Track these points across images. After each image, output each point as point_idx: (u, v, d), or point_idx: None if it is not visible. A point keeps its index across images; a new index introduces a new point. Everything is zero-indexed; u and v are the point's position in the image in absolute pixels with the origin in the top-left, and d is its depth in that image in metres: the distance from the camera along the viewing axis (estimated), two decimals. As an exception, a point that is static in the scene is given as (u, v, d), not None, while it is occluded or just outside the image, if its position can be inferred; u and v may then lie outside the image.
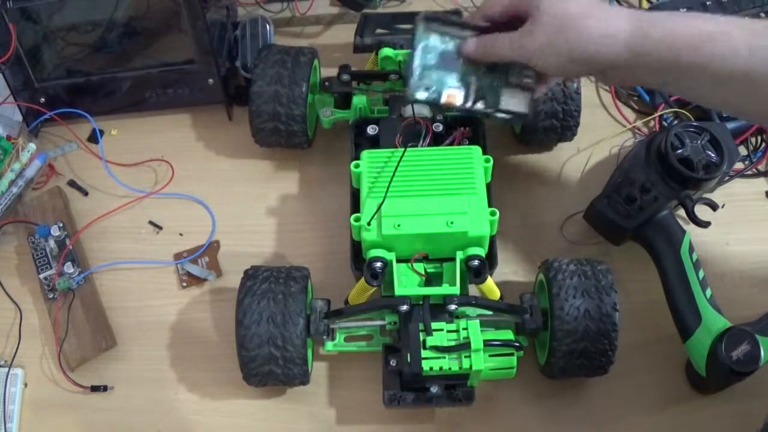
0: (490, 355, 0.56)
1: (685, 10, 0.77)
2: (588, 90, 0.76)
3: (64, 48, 0.72)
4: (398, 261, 0.58)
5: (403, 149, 0.60)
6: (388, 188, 0.58)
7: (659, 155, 0.65)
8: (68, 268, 0.66)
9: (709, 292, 0.60)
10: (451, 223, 0.57)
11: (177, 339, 0.66)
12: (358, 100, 0.68)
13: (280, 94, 0.67)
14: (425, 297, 0.57)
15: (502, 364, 0.56)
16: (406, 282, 0.58)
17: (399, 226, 0.57)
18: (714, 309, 0.59)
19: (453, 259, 0.58)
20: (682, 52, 0.51)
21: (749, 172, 0.73)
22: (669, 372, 0.63)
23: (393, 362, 0.57)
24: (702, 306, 0.59)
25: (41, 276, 0.67)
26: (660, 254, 0.63)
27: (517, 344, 0.56)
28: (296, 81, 0.68)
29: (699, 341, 0.58)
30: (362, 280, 0.58)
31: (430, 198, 0.58)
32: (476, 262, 0.57)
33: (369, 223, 0.57)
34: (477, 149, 0.61)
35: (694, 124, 0.67)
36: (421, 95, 0.57)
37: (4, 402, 0.62)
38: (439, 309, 0.57)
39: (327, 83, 0.70)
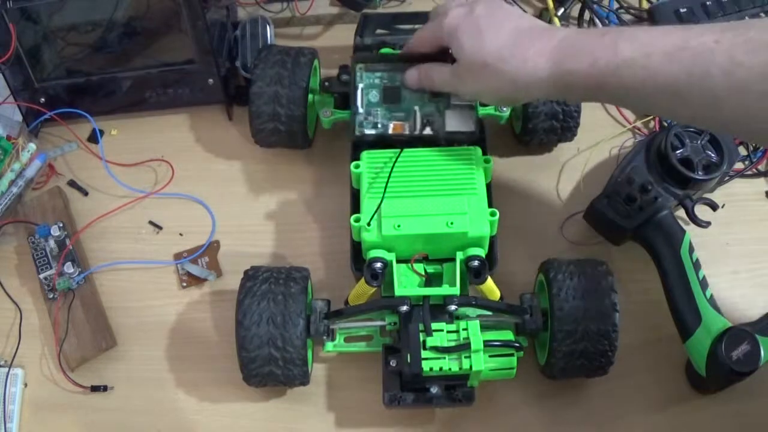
0: (490, 356, 0.56)
1: (685, 10, 0.77)
2: (588, 90, 0.76)
3: (64, 48, 0.72)
4: (398, 261, 0.58)
5: (400, 149, 0.60)
6: (386, 188, 0.58)
7: (659, 155, 0.65)
8: (68, 268, 0.66)
9: (709, 292, 0.60)
10: (451, 223, 0.57)
11: (177, 339, 0.66)
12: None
13: (280, 95, 0.67)
14: (425, 297, 0.57)
15: (502, 365, 0.56)
16: (406, 282, 0.58)
17: (399, 226, 0.57)
18: (714, 309, 0.59)
19: (453, 260, 0.58)
20: (607, 87, 0.50)
21: (749, 172, 0.73)
22: (669, 372, 0.63)
23: (393, 363, 0.57)
24: (702, 306, 0.59)
25: (41, 276, 0.67)
26: (660, 254, 0.63)
27: (517, 345, 0.56)
28: (296, 81, 0.68)
29: (699, 341, 0.58)
30: (362, 280, 0.58)
31: (430, 198, 0.58)
32: (476, 263, 0.57)
33: (369, 224, 0.57)
34: (477, 149, 0.61)
35: (694, 124, 0.67)
36: (369, 132, 0.62)
37: (4, 402, 0.62)
38: (439, 309, 0.57)
39: (327, 83, 0.70)
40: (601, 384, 0.62)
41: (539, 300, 0.60)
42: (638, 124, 0.75)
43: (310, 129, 0.72)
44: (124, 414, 0.63)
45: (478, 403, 0.58)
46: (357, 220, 0.58)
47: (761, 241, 0.69)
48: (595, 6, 0.80)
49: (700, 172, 0.64)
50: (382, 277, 0.57)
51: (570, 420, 0.62)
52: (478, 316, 0.59)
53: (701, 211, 0.67)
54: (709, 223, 0.66)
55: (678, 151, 0.65)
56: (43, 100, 0.73)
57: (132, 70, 0.73)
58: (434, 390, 0.57)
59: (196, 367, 0.64)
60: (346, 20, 0.82)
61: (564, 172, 0.73)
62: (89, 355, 0.64)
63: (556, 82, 0.52)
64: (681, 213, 0.66)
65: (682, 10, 0.77)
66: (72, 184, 0.73)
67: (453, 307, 0.56)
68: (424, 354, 0.55)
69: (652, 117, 0.74)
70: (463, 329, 0.56)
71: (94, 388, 0.63)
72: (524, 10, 0.79)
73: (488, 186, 0.61)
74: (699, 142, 0.66)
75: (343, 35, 0.79)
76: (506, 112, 0.69)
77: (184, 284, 0.68)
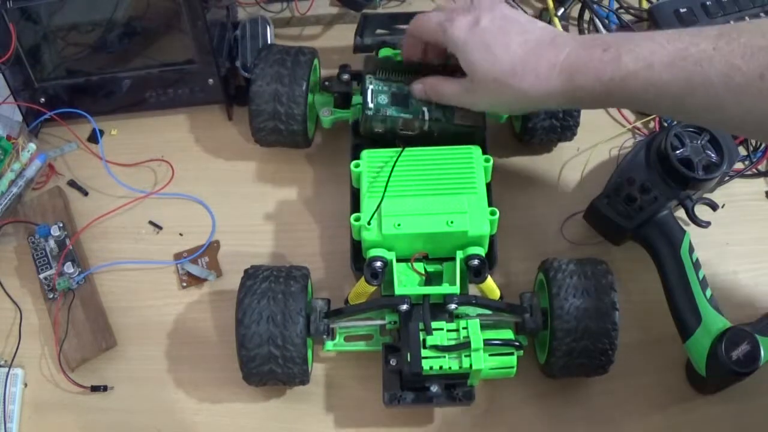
0: (490, 355, 0.56)
1: (685, 10, 0.77)
2: (588, 90, 0.76)
3: (64, 48, 0.72)
4: (398, 260, 0.58)
5: (401, 148, 0.60)
6: (386, 187, 0.58)
7: (659, 155, 0.65)
8: (68, 268, 0.66)
9: (709, 292, 0.60)
10: (451, 222, 0.57)
11: (177, 339, 0.66)
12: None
13: (280, 94, 0.67)
14: (425, 296, 0.57)
15: (502, 364, 0.56)
16: (406, 281, 0.58)
17: (399, 225, 0.57)
18: (714, 309, 0.59)
19: (453, 259, 0.58)
20: (614, 97, 0.52)
21: (749, 172, 0.73)
22: (669, 372, 0.63)
23: (393, 362, 0.57)
24: (702, 306, 0.59)
25: (41, 276, 0.67)
26: (660, 254, 0.63)
27: (517, 343, 0.56)
28: (296, 80, 0.68)
29: (699, 341, 0.58)
30: (362, 279, 0.58)
31: (430, 197, 0.58)
32: (476, 262, 0.57)
33: (369, 223, 0.57)
34: (477, 149, 0.61)
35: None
36: (379, 128, 0.63)
37: (4, 402, 0.62)
38: (439, 308, 0.57)
39: (327, 83, 0.70)
40: (601, 383, 0.62)
41: (539, 299, 0.60)
42: (638, 124, 0.75)
43: (310, 128, 0.72)
44: (124, 414, 0.63)
45: (478, 403, 0.58)
46: (357, 219, 0.58)
47: (761, 241, 0.69)
48: (595, 6, 0.80)
49: (700, 172, 0.64)
50: (382, 276, 0.57)
51: (570, 419, 0.62)
52: (478, 315, 0.59)
53: (701, 211, 0.67)
54: (709, 223, 0.66)
55: (678, 151, 0.65)
56: (43, 100, 0.73)
57: (132, 70, 0.73)
58: (434, 389, 0.57)
59: (196, 367, 0.64)
60: (346, 20, 0.82)
61: (564, 172, 0.73)
62: (89, 355, 0.64)
63: (567, 95, 0.54)
64: (681, 213, 0.66)
65: (682, 10, 0.77)
66: (72, 184, 0.73)
67: (453, 306, 0.56)
68: (424, 353, 0.55)
69: (652, 117, 0.74)
70: (463, 328, 0.56)
71: (94, 388, 0.63)
72: (524, 11, 0.79)
73: (488, 185, 0.61)
74: (699, 142, 0.66)
75: (343, 35, 0.80)
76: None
77: (184, 284, 0.68)
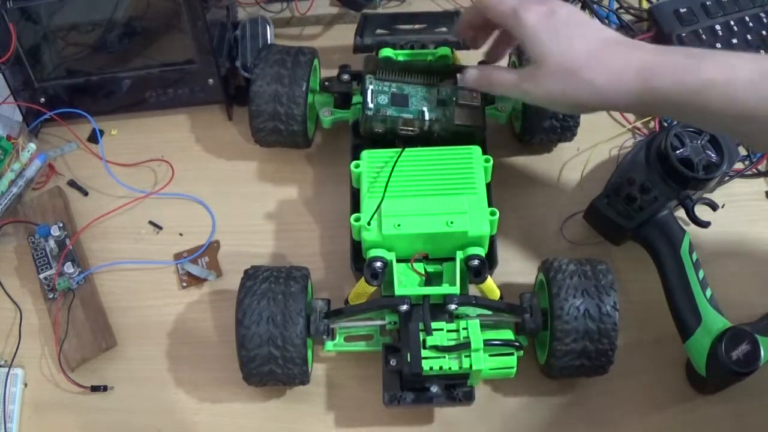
0: (490, 355, 0.56)
1: (685, 10, 0.77)
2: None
3: (64, 48, 0.72)
4: (398, 261, 0.58)
5: (401, 148, 0.60)
6: (386, 187, 0.58)
7: (659, 155, 0.65)
8: (68, 268, 0.66)
9: (709, 292, 0.60)
10: (451, 222, 0.57)
11: (177, 339, 0.66)
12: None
13: (280, 94, 0.67)
14: (425, 297, 0.57)
15: (502, 364, 0.56)
16: (406, 282, 0.58)
17: (399, 225, 0.57)
18: (714, 309, 0.59)
19: (453, 259, 0.58)
20: (689, 107, 0.50)
21: (749, 172, 0.73)
22: (669, 372, 0.63)
23: (393, 362, 0.57)
24: (702, 306, 0.59)
25: (41, 276, 0.67)
26: (660, 254, 0.63)
27: (517, 344, 0.56)
28: (296, 80, 0.68)
29: (699, 341, 0.58)
30: (362, 280, 0.58)
31: (430, 198, 0.58)
32: (476, 262, 0.57)
33: (369, 223, 0.57)
34: (477, 149, 0.61)
35: (694, 123, 0.67)
36: (379, 128, 0.63)
37: (4, 402, 0.62)
38: (439, 309, 0.57)
39: (327, 83, 0.70)
40: (601, 383, 0.62)
41: (539, 299, 0.60)
42: (638, 124, 0.75)
43: (310, 129, 0.72)
44: (124, 414, 0.63)
45: (478, 403, 0.58)
46: (357, 220, 0.58)
47: (761, 242, 0.69)
48: (595, 6, 0.80)
49: (700, 172, 0.64)
50: (382, 276, 0.57)
51: (570, 420, 0.62)
52: (478, 316, 0.59)
53: (701, 211, 0.67)
54: (709, 223, 0.66)
55: (678, 151, 0.65)
56: (43, 100, 0.73)
57: (132, 70, 0.73)
58: (434, 389, 0.57)
59: (196, 367, 0.64)
60: (346, 20, 0.82)
61: (564, 172, 0.73)
62: (89, 355, 0.64)
63: (641, 97, 0.51)
64: (681, 213, 0.66)
65: (682, 10, 0.77)
66: (72, 184, 0.73)
67: (453, 307, 0.56)
68: (424, 353, 0.55)
69: (652, 117, 0.74)
70: (463, 328, 0.56)
71: (94, 388, 0.63)
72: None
73: (488, 185, 0.61)
74: (699, 142, 0.66)
75: (343, 35, 0.80)
76: (506, 111, 0.69)
77: (184, 284, 0.68)
